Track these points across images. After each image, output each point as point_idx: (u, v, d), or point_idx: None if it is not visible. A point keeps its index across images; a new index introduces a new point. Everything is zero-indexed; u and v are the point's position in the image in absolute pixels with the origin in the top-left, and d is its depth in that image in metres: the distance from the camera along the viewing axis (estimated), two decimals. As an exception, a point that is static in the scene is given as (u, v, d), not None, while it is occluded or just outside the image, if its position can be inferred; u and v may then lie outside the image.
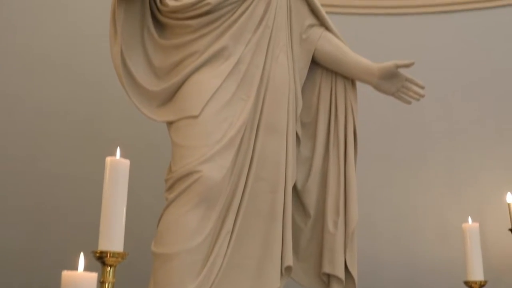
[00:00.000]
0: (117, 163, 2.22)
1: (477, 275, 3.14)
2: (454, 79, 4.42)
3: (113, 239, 2.12)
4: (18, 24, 3.71)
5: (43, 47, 3.76)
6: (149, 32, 2.72)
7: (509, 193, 3.74)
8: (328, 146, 2.94)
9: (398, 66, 2.90)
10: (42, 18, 3.80)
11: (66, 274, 1.84)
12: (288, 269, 2.70)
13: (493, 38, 4.51)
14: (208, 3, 2.66)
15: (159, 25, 2.76)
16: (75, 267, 1.92)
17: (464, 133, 4.30)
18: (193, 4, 2.67)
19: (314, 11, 3.00)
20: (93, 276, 1.88)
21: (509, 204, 3.70)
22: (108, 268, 2.09)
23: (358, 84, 3.04)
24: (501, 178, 4.13)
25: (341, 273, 2.79)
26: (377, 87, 2.97)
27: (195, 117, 2.52)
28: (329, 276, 2.84)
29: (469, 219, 3.30)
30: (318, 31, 2.99)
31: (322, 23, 3.01)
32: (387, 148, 4.26)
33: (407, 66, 2.89)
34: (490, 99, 4.38)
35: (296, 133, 2.89)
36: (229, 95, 2.60)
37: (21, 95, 3.68)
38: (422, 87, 2.98)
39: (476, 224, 3.24)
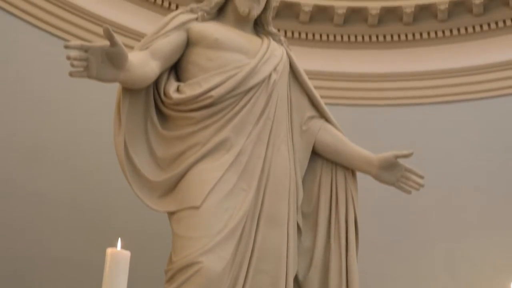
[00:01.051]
0: (118, 255, 2.22)
1: None
2: (454, 168, 4.46)
3: (111, 332, 2.09)
4: (23, 118, 3.80)
5: (46, 140, 3.83)
6: (152, 123, 2.78)
7: (512, 283, 3.69)
8: (329, 236, 2.93)
9: (397, 157, 2.94)
10: (47, 113, 3.90)
11: None
12: None
13: (494, 127, 4.58)
14: (211, 96, 2.73)
15: (162, 117, 2.82)
16: None
17: (465, 222, 4.29)
18: (196, 97, 2.74)
19: (314, 103, 3.07)
20: None
21: (514, 295, 3.64)
22: None
23: (359, 174, 3.07)
24: (503, 268, 4.09)
25: None
26: (377, 177, 3.00)
27: (196, 208, 2.53)
28: None
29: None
30: (318, 122, 3.05)
31: (322, 115, 3.08)
32: (389, 238, 4.25)
33: (406, 156, 2.93)
34: (491, 188, 4.40)
35: (297, 224, 2.89)
36: (230, 186, 2.62)
37: (23, 182, 3.71)
38: (422, 177, 3.00)
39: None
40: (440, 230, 4.31)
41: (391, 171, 2.97)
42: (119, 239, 2.27)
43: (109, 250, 2.22)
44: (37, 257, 3.60)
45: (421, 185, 3.00)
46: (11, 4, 3.95)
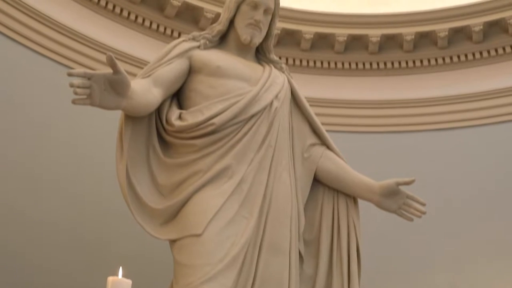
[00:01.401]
0: (119, 283, 2.21)
1: None
2: (456, 194, 4.46)
3: None
4: (23, 144, 3.81)
5: (46, 166, 3.84)
6: (155, 151, 2.79)
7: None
8: (331, 264, 2.91)
9: (398, 184, 2.93)
10: (48, 139, 3.90)
11: None
12: None
13: (496, 153, 4.58)
14: (213, 123, 2.74)
15: (164, 144, 2.83)
16: None
17: (468, 249, 4.27)
18: (198, 124, 2.75)
19: (315, 131, 3.07)
20: None
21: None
22: None
23: (361, 201, 3.06)
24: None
25: None
26: (378, 205, 2.98)
27: (198, 235, 2.52)
28: None
29: None
30: (320, 150, 3.05)
31: (324, 142, 3.07)
32: (391, 265, 4.22)
33: (407, 183, 2.92)
34: (493, 213, 4.39)
35: (299, 251, 2.87)
36: (232, 214, 2.62)
37: (23, 208, 3.71)
38: (423, 204, 2.99)
39: None
40: (443, 258, 4.29)
41: (392, 199, 2.96)
42: (120, 267, 2.26)
43: (110, 279, 2.21)
44: (37, 284, 3.58)
45: (423, 212, 2.98)
46: (14, 31, 3.99)
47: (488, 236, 4.29)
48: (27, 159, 3.79)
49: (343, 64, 4.94)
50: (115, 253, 3.66)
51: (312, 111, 3.12)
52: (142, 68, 3.19)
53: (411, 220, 3.02)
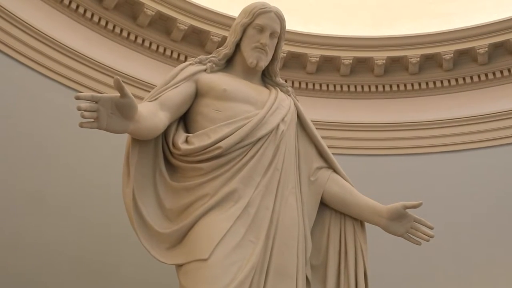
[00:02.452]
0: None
1: None
2: (463, 217, 4.43)
3: None
4: (29, 167, 3.81)
5: (53, 190, 3.84)
6: (161, 174, 2.79)
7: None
8: (339, 289, 2.89)
9: (406, 207, 2.91)
10: (54, 162, 3.91)
11: None
12: None
13: (501, 175, 4.56)
14: (219, 147, 2.74)
15: (171, 168, 2.83)
16: None
17: (473, 277, 4.24)
18: (205, 148, 2.75)
19: (322, 154, 3.07)
20: None
21: None
22: None
23: (368, 225, 3.04)
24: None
25: None
26: (386, 228, 2.97)
27: (205, 260, 2.51)
28: None
29: None
30: (326, 173, 3.04)
31: (330, 165, 3.07)
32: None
33: (415, 207, 2.90)
34: (498, 234, 4.36)
35: (306, 276, 2.85)
36: (239, 238, 2.60)
37: (30, 232, 3.70)
38: (431, 228, 2.97)
39: None
40: (447, 281, 4.25)
41: (400, 222, 2.94)
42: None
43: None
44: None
45: (431, 236, 2.96)
46: (21, 53, 4.01)
47: (493, 259, 4.25)
48: (32, 183, 3.78)
49: (348, 87, 4.94)
50: (121, 278, 3.64)
51: (318, 134, 3.12)
52: (149, 91, 3.20)
53: (419, 244, 3.00)
